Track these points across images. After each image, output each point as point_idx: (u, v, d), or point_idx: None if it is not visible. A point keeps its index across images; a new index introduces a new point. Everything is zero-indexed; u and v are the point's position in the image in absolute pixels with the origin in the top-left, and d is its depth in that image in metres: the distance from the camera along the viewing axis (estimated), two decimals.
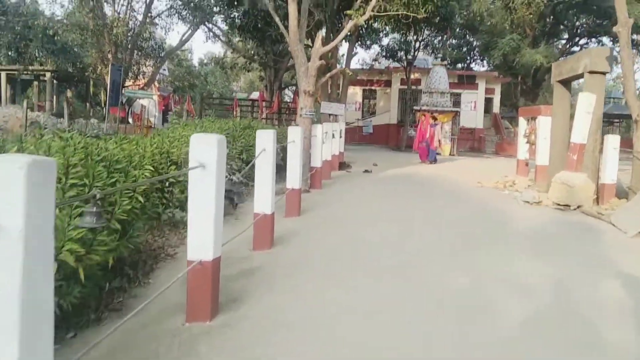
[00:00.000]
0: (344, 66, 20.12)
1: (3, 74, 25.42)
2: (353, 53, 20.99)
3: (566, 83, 11.06)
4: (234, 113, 24.61)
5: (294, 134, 7.47)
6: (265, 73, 28.92)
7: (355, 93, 33.10)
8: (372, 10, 11.29)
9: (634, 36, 25.09)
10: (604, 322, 3.89)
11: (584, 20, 30.13)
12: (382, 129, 31.30)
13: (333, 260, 5.32)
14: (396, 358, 3.22)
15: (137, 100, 25.20)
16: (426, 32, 26.48)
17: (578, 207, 8.92)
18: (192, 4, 25.47)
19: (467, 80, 31.09)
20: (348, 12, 11.90)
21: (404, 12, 12.46)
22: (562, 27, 31.65)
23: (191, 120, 16.89)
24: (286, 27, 10.39)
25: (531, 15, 25.39)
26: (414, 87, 29.24)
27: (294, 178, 7.45)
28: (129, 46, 25.02)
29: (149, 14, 25.78)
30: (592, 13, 27.77)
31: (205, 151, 3.45)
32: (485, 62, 36.27)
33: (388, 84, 32.41)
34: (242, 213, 7.46)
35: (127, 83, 25.31)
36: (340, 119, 17.57)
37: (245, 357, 3.15)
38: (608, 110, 34.52)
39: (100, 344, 2.82)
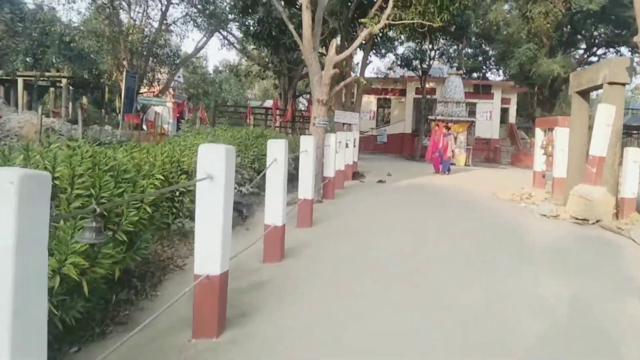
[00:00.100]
0: (358, 75, 20.06)
1: (20, 80, 25.71)
2: (367, 62, 20.90)
3: (584, 94, 10.85)
4: (247, 121, 24.61)
5: (307, 143, 7.37)
6: (279, 81, 28.95)
7: (370, 102, 33.00)
8: (387, 19, 11.19)
9: None
10: (627, 341, 3.71)
11: (602, 30, 29.77)
12: (397, 138, 31.12)
13: (344, 274, 5.19)
14: None
15: (151, 107, 25.32)
16: (442, 41, 26.35)
17: (597, 221, 8.69)
18: (207, 12, 25.63)
19: (483, 90, 30.85)
20: (363, 20, 11.81)
21: (420, 21, 12.33)
22: (579, 36, 31.30)
23: (204, 127, 16.89)
24: (300, 35, 10.33)
25: (548, 25, 25.13)
26: (429, 96, 29.06)
27: (306, 188, 7.34)
28: (145, 53, 25.20)
29: (165, 21, 25.96)
30: (610, 23, 27.44)
31: (214, 162, 3.35)
32: (501, 71, 35.99)
33: (403, 92, 32.27)
34: (252, 223, 7.35)
35: (142, 90, 25.50)
36: (354, 128, 17.45)
37: None
38: (627, 121, 33.98)
39: (105, 359, 2.72)
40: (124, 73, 20.80)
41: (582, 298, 4.71)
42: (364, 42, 14.55)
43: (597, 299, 4.73)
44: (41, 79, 26.35)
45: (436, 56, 28.69)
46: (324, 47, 16.41)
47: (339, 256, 5.93)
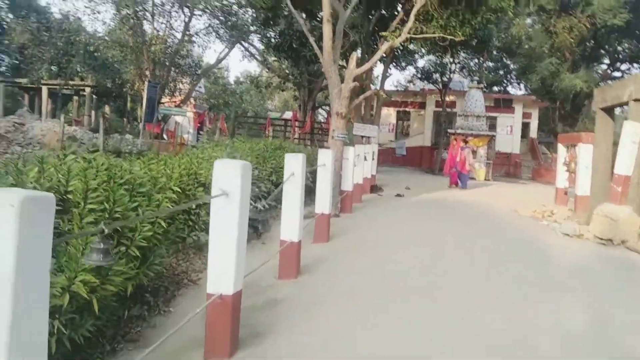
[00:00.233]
0: (378, 87, 19.99)
1: (44, 88, 26.17)
2: (387, 74, 20.84)
3: (609, 110, 10.61)
4: (267, 132, 24.67)
5: (325, 157, 7.29)
6: (299, 93, 29.03)
7: (389, 114, 32.91)
8: (409, 33, 11.11)
9: None
10: None
11: (626, 45, 29.34)
12: (416, 151, 30.93)
13: (362, 290, 5.06)
14: None
15: (172, 116, 25.57)
16: (462, 54, 26.19)
17: (622, 242, 8.42)
18: (229, 23, 25.85)
19: (504, 104, 30.56)
20: (384, 33, 11.75)
21: (441, 35, 12.23)
22: (603, 51, 30.91)
23: (223, 138, 16.94)
24: (320, 48, 10.29)
25: (572, 40, 24.84)
26: (449, 109, 28.87)
27: (323, 202, 7.24)
28: (167, 63, 25.50)
29: (187, 32, 26.26)
30: (634, 38, 27.05)
31: (230, 178, 3.28)
32: (522, 85, 35.69)
33: (422, 105, 32.11)
34: (269, 237, 7.27)
35: (164, 100, 25.77)
36: (373, 141, 17.34)
37: None
38: None
39: None
40: (146, 83, 21.04)
41: (603, 323, 4.51)
42: (384, 55, 14.50)
43: (621, 325, 4.53)
44: (65, 87, 26.81)
45: (457, 69, 28.52)
46: (344, 60, 16.38)
47: (356, 271, 5.81)
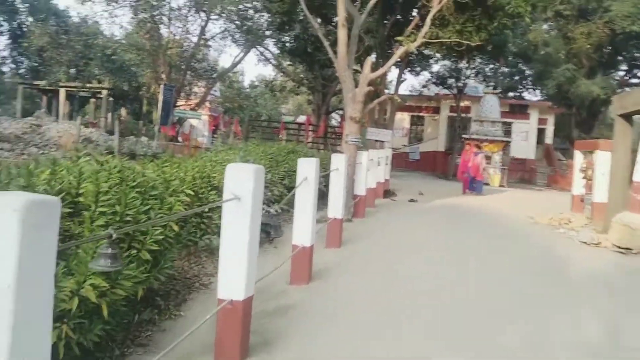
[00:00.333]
0: (392, 92, 19.90)
1: (62, 90, 26.47)
2: (402, 79, 20.74)
3: (628, 117, 10.41)
4: (280, 136, 24.68)
5: (338, 161, 7.24)
6: (313, 97, 29.02)
7: (403, 119, 32.75)
8: (424, 37, 11.03)
9: None
10: None
11: None
12: (429, 156, 30.73)
13: (375, 296, 4.99)
14: None
15: (187, 119, 25.69)
16: (478, 59, 26.01)
17: None
18: (244, 27, 25.94)
19: (519, 110, 30.28)
20: (399, 38, 11.69)
21: (457, 40, 12.13)
22: (620, 58, 30.50)
23: (237, 142, 16.97)
24: (335, 53, 10.25)
25: (589, 46, 24.53)
26: (463, 114, 28.65)
27: (336, 207, 7.18)
28: (183, 67, 25.63)
29: (203, 36, 26.39)
30: None
31: (242, 182, 3.24)
32: (538, 91, 35.36)
33: (437, 110, 31.93)
34: (280, 242, 7.22)
35: (179, 103, 25.88)
36: (387, 145, 17.25)
37: None
38: None
39: None
40: (162, 86, 21.16)
41: (624, 335, 4.39)
42: (399, 59, 14.43)
43: None
44: (82, 90, 27.09)
45: (472, 75, 28.32)
46: (358, 65, 16.34)
47: (369, 278, 5.74)
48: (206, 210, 5.65)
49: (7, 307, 1.30)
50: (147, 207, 3.70)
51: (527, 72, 34.21)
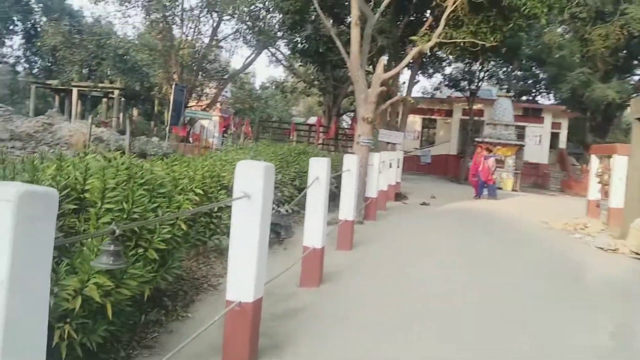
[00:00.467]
0: (404, 94, 19.75)
1: (75, 90, 26.61)
2: (415, 81, 20.59)
3: None
4: (291, 137, 24.61)
5: (350, 162, 7.11)
6: (324, 98, 28.91)
7: (415, 122, 32.54)
8: (438, 37, 10.89)
9: None
10: None
11: None
12: (441, 159, 30.50)
13: (385, 304, 4.86)
14: None
15: (198, 120, 25.70)
16: (491, 62, 25.79)
17: None
18: (256, 28, 25.90)
19: (533, 114, 29.97)
20: (413, 37, 11.56)
21: (472, 40, 11.96)
22: (635, 62, 30.11)
23: (248, 142, 16.91)
24: (348, 52, 10.15)
25: (604, 49, 24.20)
26: (476, 118, 28.39)
27: (347, 209, 7.06)
28: (194, 67, 25.63)
29: (215, 37, 26.39)
30: None
31: (252, 180, 3.13)
32: (551, 95, 35.02)
33: (449, 113, 31.70)
34: (291, 242, 7.12)
35: (191, 103, 25.89)
36: (398, 148, 17.09)
37: None
38: None
39: None
40: (173, 86, 21.17)
41: None
42: (411, 61, 14.28)
43: None
44: (95, 89, 27.21)
45: (485, 78, 28.06)
46: (370, 66, 16.21)
47: (380, 281, 5.62)
48: (215, 209, 5.55)
49: (1, 300, 1.20)
50: (155, 205, 3.60)
51: (541, 75, 33.92)
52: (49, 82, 28.58)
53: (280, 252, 6.66)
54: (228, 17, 25.60)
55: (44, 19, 32.00)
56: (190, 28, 25.44)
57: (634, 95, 25.02)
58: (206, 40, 25.97)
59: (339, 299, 4.88)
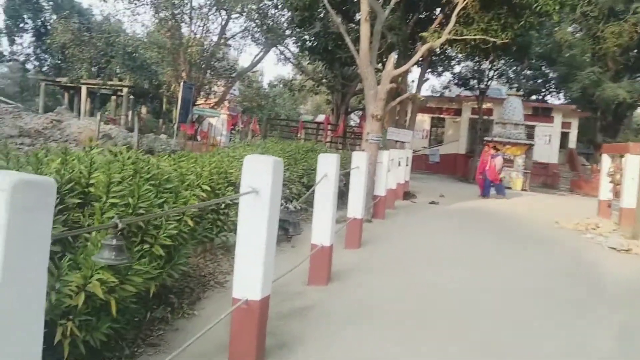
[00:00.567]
0: (413, 92, 19.61)
1: (84, 87, 26.69)
2: (424, 79, 20.44)
3: None
4: (298, 135, 24.54)
5: (359, 159, 7.02)
6: (332, 96, 28.81)
7: (423, 120, 32.35)
8: (449, 34, 10.77)
9: None
10: None
11: None
12: (450, 158, 30.31)
13: (394, 304, 4.77)
14: None
15: (206, 118, 25.69)
16: (501, 61, 25.57)
17: None
18: (265, 26, 25.84)
19: (543, 113, 29.73)
20: (423, 34, 11.45)
21: (482, 37, 11.82)
22: None
23: (256, 139, 16.86)
24: (357, 50, 10.05)
25: (616, 47, 23.93)
26: (485, 117, 28.17)
27: (356, 207, 6.97)
28: (203, 65, 25.62)
29: (224, 35, 26.36)
30: None
31: (260, 175, 3.05)
32: (561, 94, 34.73)
33: (458, 112, 31.49)
34: (299, 239, 7.04)
35: (199, 101, 25.90)
36: (407, 146, 16.96)
37: None
38: None
39: None
40: (182, 84, 21.16)
41: None
42: (421, 58, 14.15)
43: None
44: (104, 87, 27.28)
45: (495, 76, 27.84)
46: (379, 64, 16.09)
47: (389, 281, 5.52)
48: (222, 206, 5.49)
49: None
50: (161, 200, 3.54)
51: (551, 74, 33.64)
52: (58, 79, 28.69)
53: (288, 249, 6.59)
54: (237, 15, 25.55)
55: (54, 16, 32.12)
56: (199, 26, 25.43)
57: None
58: (215, 38, 25.96)
59: (348, 297, 4.79)
